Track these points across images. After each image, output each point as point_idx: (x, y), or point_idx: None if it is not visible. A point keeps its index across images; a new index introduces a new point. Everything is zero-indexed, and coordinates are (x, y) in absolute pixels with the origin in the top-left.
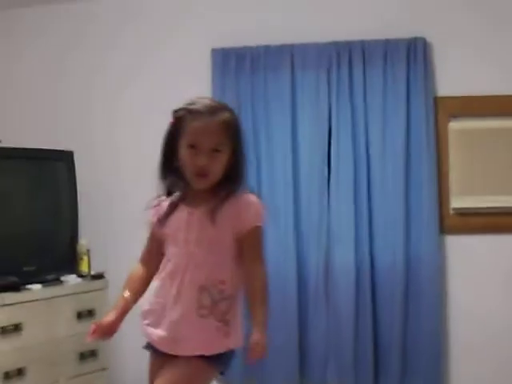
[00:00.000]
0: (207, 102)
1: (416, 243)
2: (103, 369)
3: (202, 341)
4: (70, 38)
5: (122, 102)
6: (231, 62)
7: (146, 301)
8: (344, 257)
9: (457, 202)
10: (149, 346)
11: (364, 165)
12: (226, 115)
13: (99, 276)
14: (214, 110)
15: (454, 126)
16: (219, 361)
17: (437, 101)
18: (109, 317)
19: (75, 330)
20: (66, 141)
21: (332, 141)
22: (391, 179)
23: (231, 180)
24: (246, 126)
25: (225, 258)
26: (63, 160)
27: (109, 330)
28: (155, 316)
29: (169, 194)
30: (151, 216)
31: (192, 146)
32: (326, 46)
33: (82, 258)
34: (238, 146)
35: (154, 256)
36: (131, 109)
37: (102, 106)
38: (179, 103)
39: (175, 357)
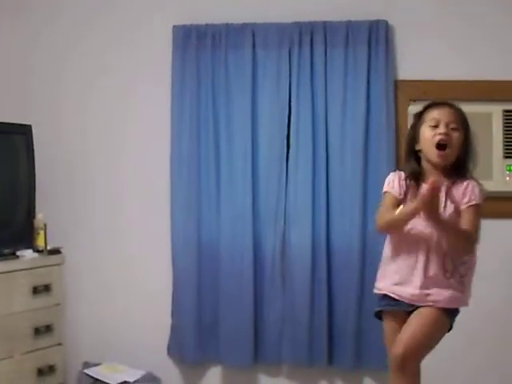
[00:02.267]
0: (445, 101)
1: (373, 225)
2: (58, 344)
3: (446, 297)
4: (44, 15)
5: (85, 77)
6: (192, 40)
7: (385, 266)
8: (301, 238)
9: None
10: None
11: (323, 146)
12: (461, 110)
13: (56, 251)
14: (452, 104)
15: (414, 109)
16: (453, 317)
17: (397, 84)
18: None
19: (31, 305)
20: (29, 114)
21: (291, 121)
22: (350, 161)
23: (459, 168)
24: (206, 105)
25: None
26: (21, 133)
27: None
28: (403, 276)
29: (411, 176)
30: (397, 185)
31: (434, 126)
32: (288, 25)
33: (38, 233)
34: (468, 137)
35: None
36: (92, 84)
37: (69, 81)
38: (139, 79)
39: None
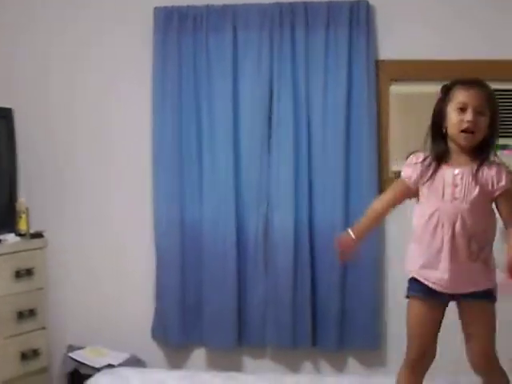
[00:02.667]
0: (470, 78)
1: (355, 206)
2: (42, 328)
3: (474, 280)
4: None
5: (69, 59)
6: (173, 21)
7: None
8: (283, 220)
9: (396, 166)
10: (411, 292)
11: (304, 128)
12: (489, 89)
13: (38, 235)
14: (479, 82)
15: (395, 89)
16: (494, 297)
17: (378, 64)
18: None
19: (13, 289)
20: (14, 98)
21: (273, 103)
22: (331, 142)
23: (484, 149)
24: (187, 86)
25: (484, 211)
26: (2, 117)
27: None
28: (429, 260)
29: (436, 157)
30: (411, 171)
31: (460, 109)
32: (269, 6)
33: (20, 217)
34: (494, 119)
35: (393, 201)
36: (75, 67)
37: (53, 63)
38: (121, 60)
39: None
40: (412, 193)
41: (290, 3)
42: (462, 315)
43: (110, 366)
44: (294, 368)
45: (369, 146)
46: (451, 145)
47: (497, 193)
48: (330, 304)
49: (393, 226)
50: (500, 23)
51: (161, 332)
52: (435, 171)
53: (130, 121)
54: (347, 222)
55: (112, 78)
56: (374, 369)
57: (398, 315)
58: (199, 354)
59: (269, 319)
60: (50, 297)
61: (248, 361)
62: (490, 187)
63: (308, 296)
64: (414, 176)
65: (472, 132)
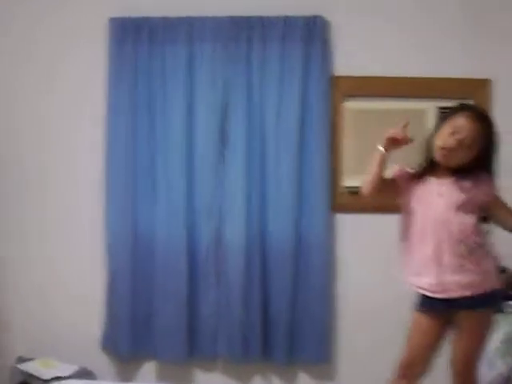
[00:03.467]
0: (480, 107)
1: (307, 220)
2: None
3: (466, 284)
4: None
5: (18, 71)
6: (129, 33)
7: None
8: (235, 233)
9: (349, 181)
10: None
11: (258, 141)
12: (485, 125)
13: None
14: (481, 116)
15: (349, 105)
16: (494, 302)
17: (333, 80)
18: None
19: None
20: None
21: (227, 116)
22: (285, 156)
23: (476, 167)
24: (142, 99)
25: (471, 217)
26: None
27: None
28: (417, 267)
29: (424, 167)
30: (397, 169)
31: (450, 133)
32: (225, 20)
33: None
34: (484, 151)
35: (385, 186)
36: (28, 79)
37: (5, 75)
38: (76, 70)
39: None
40: (397, 185)
41: (246, 17)
42: (457, 324)
43: (59, 378)
44: (245, 381)
45: (321, 161)
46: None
47: (485, 200)
48: (281, 317)
49: (346, 239)
50: (451, 41)
51: (111, 344)
52: (422, 182)
53: (83, 131)
54: (298, 236)
55: (66, 88)
56: (324, 382)
57: (348, 330)
58: (150, 367)
59: (220, 332)
60: None
61: (199, 373)
62: (476, 196)
63: (259, 309)
64: (404, 175)
65: (448, 155)
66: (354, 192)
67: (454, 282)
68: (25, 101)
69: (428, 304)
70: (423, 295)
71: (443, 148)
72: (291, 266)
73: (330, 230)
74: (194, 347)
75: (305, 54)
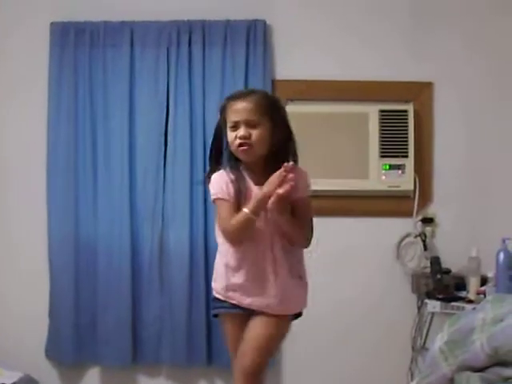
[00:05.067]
0: (242, 89)
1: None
2: None
3: (299, 300)
4: None
5: None
6: (70, 37)
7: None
8: (178, 237)
9: None
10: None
11: (200, 145)
12: (257, 97)
13: None
14: (246, 93)
15: (292, 109)
16: (296, 318)
17: (275, 84)
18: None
19: None
20: None
21: (169, 120)
22: None
23: (280, 157)
24: (84, 103)
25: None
26: None
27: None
28: (254, 285)
29: (232, 172)
30: (222, 189)
31: (233, 127)
32: (167, 24)
33: None
34: (275, 123)
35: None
36: None
37: None
38: (17, 74)
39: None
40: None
41: (188, 21)
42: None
43: None
44: None
45: None
46: (242, 164)
47: (300, 195)
48: None
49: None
50: (393, 45)
51: (54, 351)
52: (243, 187)
53: (24, 134)
54: None
55: (6, 92)
56: None
57: (294, 333)
58: (94, 373)
59: (164, 337)
60: None
61: (143, 379)
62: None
63: (203, 314)
64: (230, 192)
65: (249, 146)
66: None
67: (291, 298)
68: None
69: (233, 307)
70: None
71: (240, 144)
72: None
73: None
74: (138, 352)
75: (246, 57)
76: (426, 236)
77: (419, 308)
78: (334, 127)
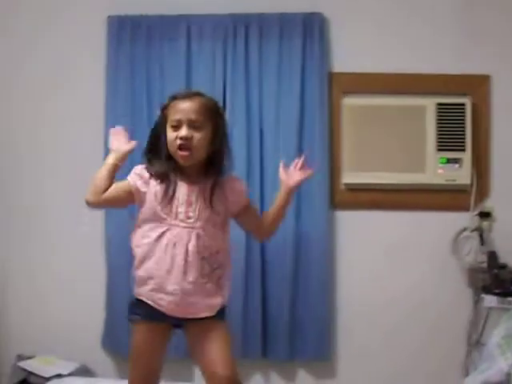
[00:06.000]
0: (188, 90)
1: (306, 218)
2: None
3: (207, 303)
4: None
5: (18, 71)
6: (126, 31)
7: (137, 265)
8: (234, 232)
9: (348, 178)
10: (137, 317)
11: (257, 138)
12: (203, 99)
13: None
14: (192, 94)
15: (348, 101)
16: (224, 316)
17: (331, 76)
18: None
19: None
20: None
21: (226, 114)
22: (283, 154)
23: (216, 164)
24: (140, 96)
25: (219, 231)
26: None
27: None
28: (158, 282)
29: (158, 176)
30: (135, 178)
31: (175, 126)
32: (223, 17)
33: None
34: (217, 129)
35: (116, 199)
36: (29, 78)
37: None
38: (74, 68)
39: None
40: (129, 201)
41: (244, 14)
42: (191, 337)
43: (59, 375)
44: (244, 379)
45: (320, 158)
46: (177, 164)
47: (234, 210)
48: (281, 314)
49: (345, 236)
50: (450, 37)
51: (111, 341)
52: (167, 190)
53: (81, 130)
54: (298, 234)
55: (65, 87)
56: (324, 380)
57: (348, 326)
58: None
59: None
60: None
61: (198, 371)
62: (226, 205)
63: (259, 307)
64: (136, 183)
65: (188, 149)
66: (353, 189)
67: (196, 302)
68: (25, 99)
69: (154, 316)
70: (147, 307)
71: (180, 146)
72: (291, 263)
73: (329, 227)
74: None
75: (303, 50)
76: (482, 230)
77: (475, 303)
78: (390, 120)
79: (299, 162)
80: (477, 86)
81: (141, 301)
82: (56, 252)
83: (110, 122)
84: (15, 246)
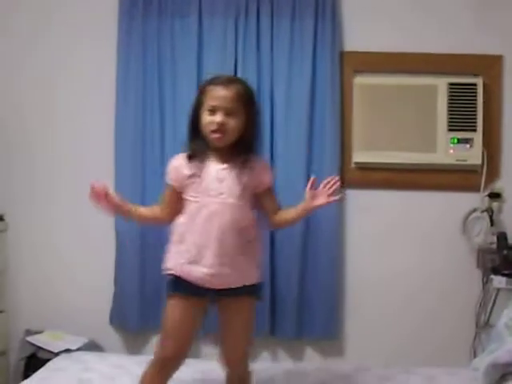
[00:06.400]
0: (226, 75)
1: None
2: (1, 311)
3: (242, 275)
4: None
5: (31, 51)
6: (138, 6)
7: (175, 244)
8: None
9: (358, 157)
10: (174, 292)
11: (268, 116)
12: (240, 86)
13: None
14: (230, 80)
15: (359, 81)
16: (259, 292)
17: (343, 55)
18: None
19: None
20: None
21: None
22: (294, 132)
23: (246, 145)
24: (152, 74)
25: (248, 207)
26: None
27: (99, 195)
28: (195, 256)
29: (192, 155)
30: (172, 173)
31: (211, 111)
32: None
33: None
34: (250, 115)
35: (169, 206)
36: (33, 49)
37: (6, 44)
38: (86, 44)
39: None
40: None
41: None
42: (222, 313)
43: (67, 350)
44: (252, 356)
45: (331, 137)
46: (211, 143)
47: (259, 189)
48: (289, 292)
49: (355, 215)
50: (462, 17)
51: (119, 317)
52: (200, 168)
53: (92, 106)
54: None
55: (76, 63)
56: (332, 358)
57: (356, 305)
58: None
59: None
60: (8, 280)
61: (204, 348)
62: (253, 184)
63: (267, 284)
64: (180, 177)
65: (222, 133)
66: (364, 168)
67: (232, 273)
68: (34, 71)
69: (190, 290)
70: (185, 281)
71: (214, 131)
72: (300, 240)
73: (339, 205)
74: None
75: (315, 29)
76: (492, 211)
77: (484, 284)
78: (401, 100)
79: (331, 184)
80: (489, 66)
81: (177, 276)
82: (64, 229)
83: (121, 97)
84: (23, 221)
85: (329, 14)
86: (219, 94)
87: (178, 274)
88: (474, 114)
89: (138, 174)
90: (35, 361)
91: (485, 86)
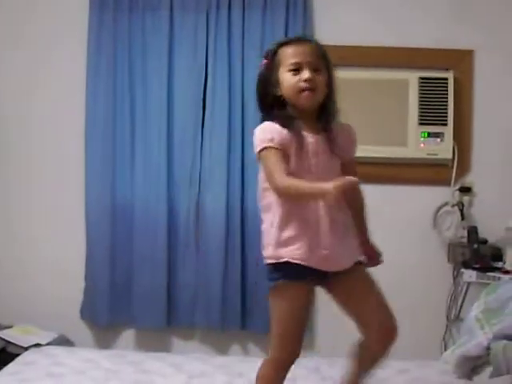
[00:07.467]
0: (296, 36)
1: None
2: None
3: (352, 253)
4: None
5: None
6: (109, 1)
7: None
8: (215, 202)
9: None
10: (284, 280)
11: (239, 110)
12: (316, 43)
13: None
14: (303, 38)
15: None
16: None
17: None
18: None
19: None
20: None
21: (208, 85)
22: None
23: (329, 109)
24: (122, 67)
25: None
26: None
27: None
28: (308, 239)
29: (285, 125)
30: (276, 138)
31: (294, 69)
32: None
33: None
34: (330, 72)
35: (287, 169)
36: (3, 45)
37: None
38: (55, 38)
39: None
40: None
41: None
42: (343, 291)
43: (37, 345)
44: (223, 350)
45: None
46: (292, 111)
47: (345, 158)
48: (260, 286)
49: None
50: (433, 11)
51: (90, 312)
52: (295, 139)
53: (62, 99)
54: None
55: (45, 55)
56: (303, 351)
57: (327, 298)
58: (128, 335)
59: (198, 301)
60: None
61: (177, 341)
62: (341, 153)
63: (238, 279)
64: (285, 143)
65: (313, 90)
66: None
67: (345, 252)
68: (5, 68)
69: (303, 276)
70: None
71: (306, 88)
72: None
73: None
74: (173, 315)
75: (286, 22)
76: (463, 205)
77: (455, 277)
78: (372, 94)
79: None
80: (460, 60)
81: (284, 263)
82: (35, 219)
83: (91, 89)
84: None
85: (300, 7)
86: (301, 50)
87: (296, 260)
88: (445, 109)
89: (109, 169)
90: (5, 355)
91: (456, 80)
